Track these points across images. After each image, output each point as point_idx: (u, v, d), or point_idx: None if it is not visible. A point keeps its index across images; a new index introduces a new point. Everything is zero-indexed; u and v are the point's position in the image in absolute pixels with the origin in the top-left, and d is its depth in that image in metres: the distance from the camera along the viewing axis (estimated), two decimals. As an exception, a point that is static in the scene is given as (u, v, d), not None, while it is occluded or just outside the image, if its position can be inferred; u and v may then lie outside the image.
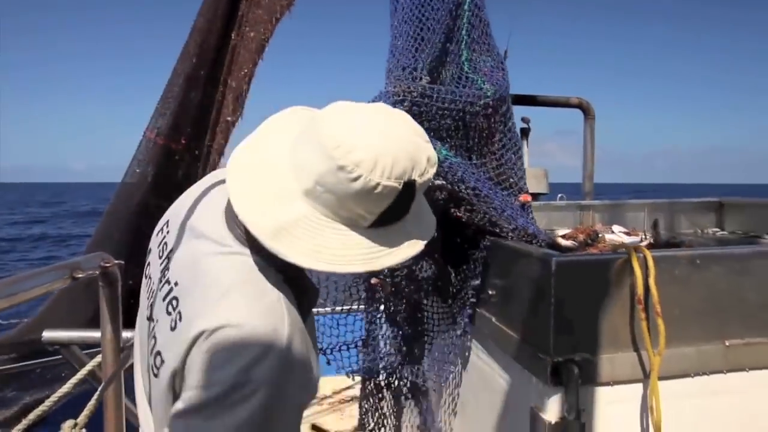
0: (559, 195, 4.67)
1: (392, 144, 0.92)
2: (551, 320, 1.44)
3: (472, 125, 1.79)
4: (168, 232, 1.14)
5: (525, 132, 5.47)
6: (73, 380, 2.10)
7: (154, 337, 1.05)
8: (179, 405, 0.92)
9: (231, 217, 1.01)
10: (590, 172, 5.42)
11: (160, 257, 1.12)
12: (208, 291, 0.95)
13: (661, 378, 1.52)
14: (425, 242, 1.02)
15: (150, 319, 1.10)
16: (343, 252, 0.93)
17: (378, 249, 0.96)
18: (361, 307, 1.99)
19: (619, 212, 4.10)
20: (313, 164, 0.92)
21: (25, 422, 1.94)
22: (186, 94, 3.76)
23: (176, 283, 1.02)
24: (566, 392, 1.43)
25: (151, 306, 1.11)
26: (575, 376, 1.41)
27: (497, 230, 1.71)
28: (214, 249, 0.99)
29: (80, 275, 1.74)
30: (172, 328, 0.98)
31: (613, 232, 2.41)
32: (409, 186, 0.94)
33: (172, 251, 1.08)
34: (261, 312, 0.92)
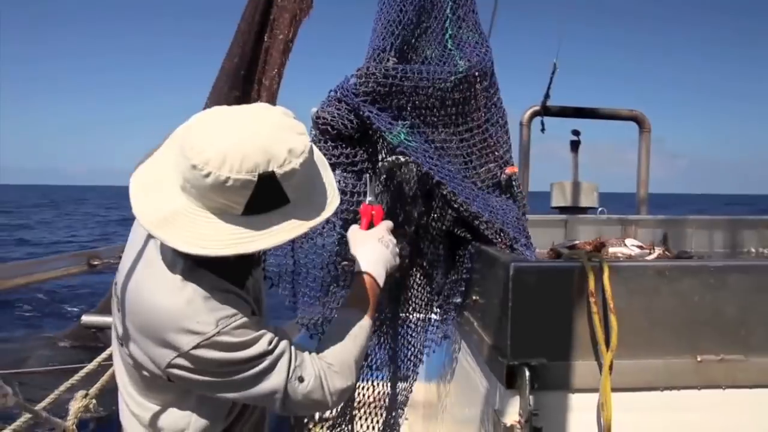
0: (600, 209, 4.58)
1: (243, 141, 1.04)
2: (508, 324, 1.47)
3: (448, 101, 1.82)
4: (125, 250, 1.34)
5: (575, 144, 5.38)
6: (99, 359, 2.30)
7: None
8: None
9: None
10: (645, 185, 5.26)
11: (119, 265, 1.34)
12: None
13: (627, 389, 1.51)
14: (311, 224, 1.13)
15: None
16: (217, 237, 1.06)
17: (252, 233, 1.07)
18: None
19: (664, 228, 3.99)
20: (179, 165, 1.07)
21: (53, 395, 2.14)
22: (229, 91, 4.05)
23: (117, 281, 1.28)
24: (520, 396, 1.46)
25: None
26: (527, 379, 1.43)
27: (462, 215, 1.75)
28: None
29: (97, 263, 1.93)
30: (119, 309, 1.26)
31: (625, 245, 2.37)
32: (267, 177, 1.03)
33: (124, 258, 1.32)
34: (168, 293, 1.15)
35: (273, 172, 1.04)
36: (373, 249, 1.48)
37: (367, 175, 1.79)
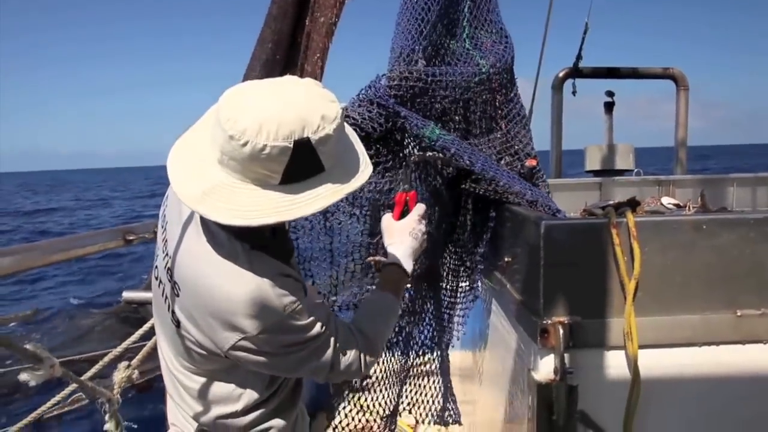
0: (636, 170, 4.47)
1: (278, 110, 1.05)
2: (541, 282, 1.45)
3: (471, 101, 1.83)
4: (165, 228, 1.34)
5: (609, 106, 5.24)
6: (140, 331, 2.36)
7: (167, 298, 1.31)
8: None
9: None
10: (683, 143, 5.11)
11: (163, 240, 1.33)
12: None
13: (664, 345, 1.49)
14: (347, 190, 1.13)
15: (161, 287, 1.34)
16: (257, 207, 1.07)
17: (292, 201, 1.08)
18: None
19: (702, 187, 3.87)
20: (215, 139, 1.08)
21: (98, 366, 2.21)
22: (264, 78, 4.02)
23: (173, 260, 1.26)
24: (554, 354, 1.45)
25: (159, 277, 1.35)
26: (561, 338, 1.42)
27: (502, 198, 1.74)
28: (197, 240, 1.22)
29: (132, 238, 1.97)
30: (177, 294, 1.25)
31: (662, 204, 2.31)
32: (303, 143, 1.04)
33: (169, 232, 1.30)
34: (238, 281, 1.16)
35: (308, 138, 1.05)
36: (405, 243, 1.56)
37: (405, 163, 1.83)
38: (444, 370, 2.38)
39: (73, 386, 1.86)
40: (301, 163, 1.07)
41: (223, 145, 1.06)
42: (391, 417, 2.26)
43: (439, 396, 2.39)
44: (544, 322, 1.45)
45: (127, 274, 13.80)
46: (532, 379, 1.53)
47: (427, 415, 2.42)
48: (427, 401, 2.44)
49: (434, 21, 1.86)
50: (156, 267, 1.37)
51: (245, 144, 1.03)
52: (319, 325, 1.22)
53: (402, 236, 1.57)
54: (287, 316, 1.17)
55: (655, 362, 1.46)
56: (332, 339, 1.26)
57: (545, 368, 1.48)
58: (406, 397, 2.36)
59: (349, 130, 1.25)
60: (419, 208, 1.60)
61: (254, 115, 1.04)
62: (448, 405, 2.45)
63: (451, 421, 2.48)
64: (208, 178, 1.09)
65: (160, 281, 1.33)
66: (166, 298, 1.30)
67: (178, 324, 1.29)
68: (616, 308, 1.46)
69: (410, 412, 2.48)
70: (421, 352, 2.26)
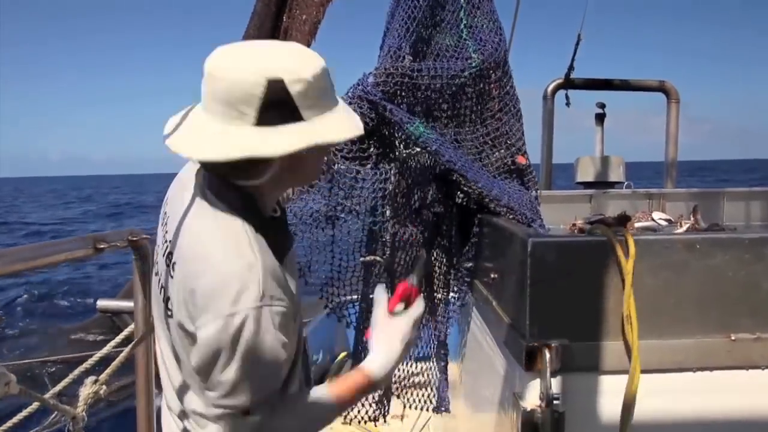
0: (626, 183, 4.44)
1: (258, 54, 1.12)
2: (527, 302, 1.38)
3: (462, 96, 1.80)
4: (166, 220, 1.29)
5: (600, 117, 5.21)
6: (112, 343, 2.27)
7: (163, 287, 1.25)
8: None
9: (206, 184, 1.21)
10: (673, 159, 5.07)
11: (165, 231, 1.28)
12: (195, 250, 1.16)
13: (656, 371, 1.43)
14: (325, 139, 1.12)
15: (158, 276, 1.29)
16: (225, 141, 1.09)
17: (263, 140, 1.08)
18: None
19: (694, 200, 3.82)
20: (202, 93, 1.13)
21: (64, 382, 2.11)
22: None
23: (172, 243, 1.22)
24: (541, 379, 1.38)
25: (157, 268, 1.31)
26: (547, 361, 1.35)
27: (482, 202, 1.72)
28: (198, 213, 1.20)
29: (103, 246, 1.88)
30: (171, 275, 1.19)
31: (652, 219, 2.25)
32: (276, 82, 1.06)
33: (171, 219, 1.26)
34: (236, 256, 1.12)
35: (281, 79, 1.07)
36: (391, 353, 1.32)
37: (417, 256, 1.80)
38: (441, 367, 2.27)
39: (35, 405, 1.78)
40: (275, 105, 1.08)
41: (204, 89, 1.11)
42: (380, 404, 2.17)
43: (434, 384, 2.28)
44: (531, 344, 1.38)
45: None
46: (517, 404, 1.45)
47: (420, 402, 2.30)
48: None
49: (423, 17, 1.86)
50: (156, 272, 1.31)
51: (222, 79, 1.08)
52: (280, 358, 1.14)
53: (393, 344, 1.32)
54: (263, 307, 1.09)
55: (648, 388, 1.40)
56: (257, 399, 1.14)
57: (531, 393, 1.41)
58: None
59: (342, 103, 1.23)
60: (418, 310, 1.36)
61: (233, 56, 1.11)
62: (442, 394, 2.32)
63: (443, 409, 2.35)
64: (188, 122, 1.15)
65: (159, 278, 1.28)
66: (162, 288, 1.25)
67: (170, 314, 1.21)
68: (606, 331, 1.39)
69: (398, 397, 2.35)
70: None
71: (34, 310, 11.50)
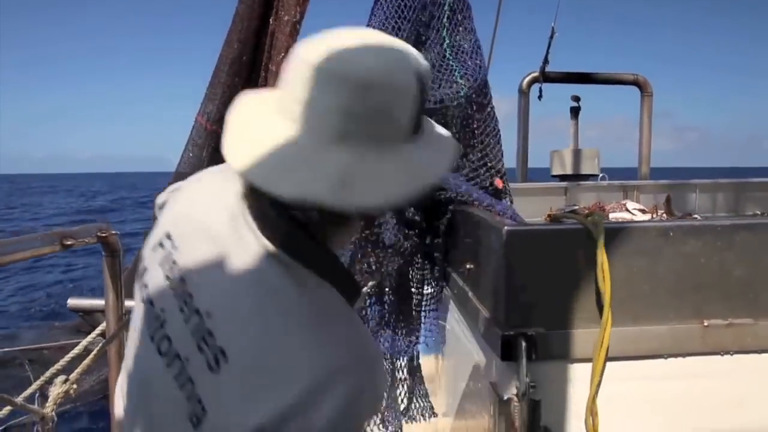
0: (601, 175, 4.49)
1: (388, 44, 0.83)
2: (503, 292, 1.38)
3: (449, 119, 1.79)
4: (174, 247, 0.92)
5: (575, 111, 5.25)
6: (84, 342, 2.22)
7: (190, 379, 0.84)
8: None
9: (256, 216, 0.86)
10: (646, 152, 5.14)
11: (169, 278, 0.90)
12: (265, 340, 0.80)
13: (629, 357, 1.43)
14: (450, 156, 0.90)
15: (171, 356, 0.87)
16: (407, 173, 0.81)
17: (430, 157, 0.85)
18: None
19: (666, 192, 3.88)
20: (329, 107, 0.78)
21: (36, 384, 2.06)
22: (231, 80, 3.86)
23: (208, 314, 0.84)
24: (517, 367, 1.37)
25: (167, 338, 0.88)
26: (524, 350, 1.34)
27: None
28: (248, 267, 0.84)
29: (71, 242, 1.83)
30: (212, 369, 0.82)
31: (627, 209, 2.27)
32: (423, 78, 0.82)
33: (188, 271, 0.88)
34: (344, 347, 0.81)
35: (422, 74, 0.82)
36: None
37: None
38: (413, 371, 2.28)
39: (7, 408, 1.73)
40: (422, 106, 0.84)
41: (349, 106, 0.77)
42: None
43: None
44: (506, 334, 1.37)
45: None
46: (493, 393, 1.45)
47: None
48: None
49: (407, 36, 1.80)
50: (145, 284, 0.95)
51: (369, 86, 0.76)
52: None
53: None
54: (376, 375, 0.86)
55: (621, 374, 1.40)
56: None
57: (507, 382, 1.41)
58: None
59: None
60: None
61: (372, 53, 0.79)
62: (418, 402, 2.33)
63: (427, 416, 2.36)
64: (326, 162, 0.78)
65: (149, 291, 0.93)
66: (158, 315, 0.90)
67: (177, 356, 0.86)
68: (582, 319, 1.39)
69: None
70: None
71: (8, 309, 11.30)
